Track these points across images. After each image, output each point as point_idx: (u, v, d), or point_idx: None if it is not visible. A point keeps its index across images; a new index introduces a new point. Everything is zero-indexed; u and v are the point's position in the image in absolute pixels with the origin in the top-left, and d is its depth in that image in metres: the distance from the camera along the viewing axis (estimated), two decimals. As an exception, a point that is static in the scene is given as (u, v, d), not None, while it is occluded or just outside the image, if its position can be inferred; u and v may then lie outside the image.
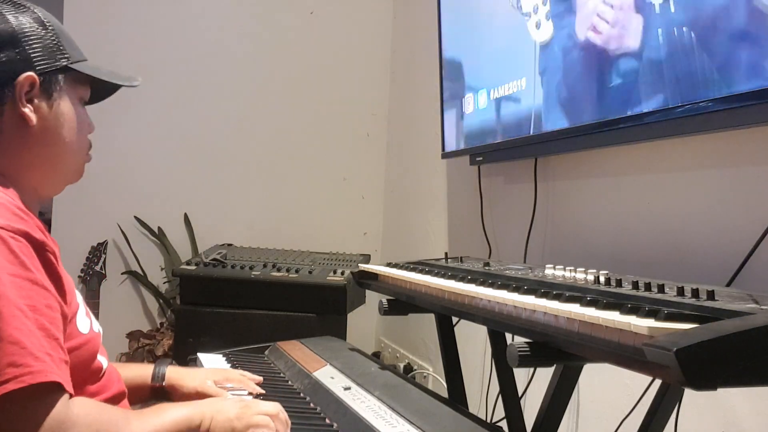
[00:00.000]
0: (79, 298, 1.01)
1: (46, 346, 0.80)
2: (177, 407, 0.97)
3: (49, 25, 1.01)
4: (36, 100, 0.98)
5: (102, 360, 1.04)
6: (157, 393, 1.21)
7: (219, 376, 1.25)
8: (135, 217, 2.93)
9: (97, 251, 2.71)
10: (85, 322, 0.99)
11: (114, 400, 1.04)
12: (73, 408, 0.81)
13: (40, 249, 0.87)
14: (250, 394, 1.20)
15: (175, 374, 1.24)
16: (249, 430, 0.96)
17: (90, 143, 1.10)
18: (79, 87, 1.05)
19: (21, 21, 0.98)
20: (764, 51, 1.05)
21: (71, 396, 0.82)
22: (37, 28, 0.99)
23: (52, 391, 0.79)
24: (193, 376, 1.24)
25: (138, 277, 2.93)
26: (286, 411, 1.03)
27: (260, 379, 1.28)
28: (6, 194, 0.91)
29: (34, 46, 0.98)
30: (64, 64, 1.01)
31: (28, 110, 0.97)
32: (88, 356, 0.98)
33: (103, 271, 2.67)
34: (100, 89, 1.11)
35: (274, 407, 1.01)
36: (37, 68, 0.97)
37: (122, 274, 2.94)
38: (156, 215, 2.96)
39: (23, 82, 0.96)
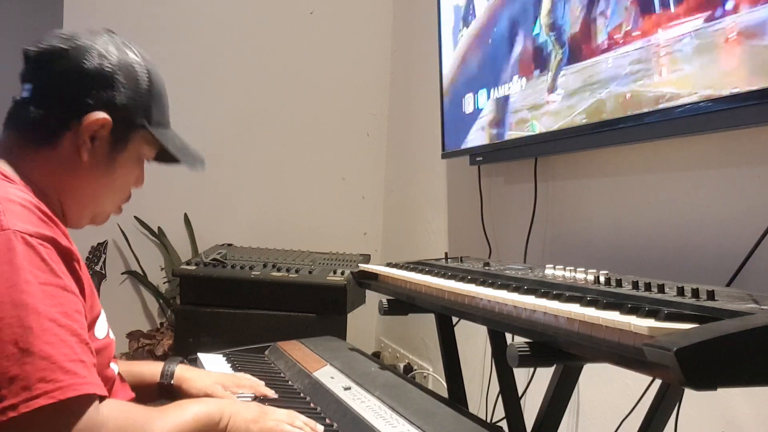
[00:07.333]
0: (101, 302, 1.02)
1: (79, 352, 0.81)
2: (197, 403, 0.99)
3: (151, 86, 1.04)
4: (98, 141, 0.99)
5: (114, 367, 1.05)
6: (164, 391, 1.21)
7: (229, 381, 1.24)
8: (135, 217, 2.93)
9: (97, 251, 2.70)
10: (103, 327, 1.00)
11: None
12: (102, 410, 0.82)
13: (67, 256, 0.88)
14: (256, 398, 1.19)
15: (185, 374, 1.23)
16: None
17: (129, 196, 1.11)
18: (146, 146, 1.06)
19: (131, 70, 1.01)
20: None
21: (104, 398, 0.83)
22: (140, 83, 1.02)
23: (82, 401, 0.80)
24: (202, 378, 1.24)
25: (138, 277, 2.93)
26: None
27: (271, 392, 1.23)
28: (33, 199, 0.90)
29: (127, 97, 1.00)
30: (143, 124, 1.03)
31: (85, 147, 0.98)
32: (102, 362, 0.98)
33: (103, 271, 2.67)
34: (168, 155, 1.11)
35: (288, 415, 1.02)
36: (116, 117, 0.99)
37: (122, 274, 2.94)
38: (156, 215, 2.95)
39: (96, 121, 0.97)
